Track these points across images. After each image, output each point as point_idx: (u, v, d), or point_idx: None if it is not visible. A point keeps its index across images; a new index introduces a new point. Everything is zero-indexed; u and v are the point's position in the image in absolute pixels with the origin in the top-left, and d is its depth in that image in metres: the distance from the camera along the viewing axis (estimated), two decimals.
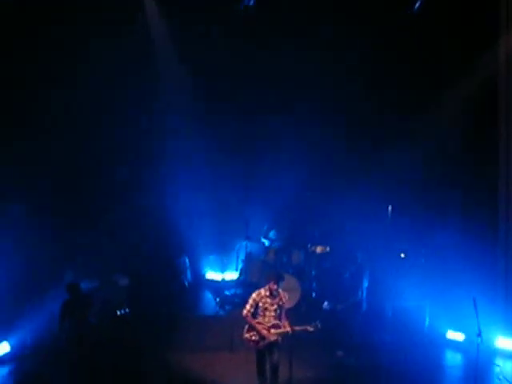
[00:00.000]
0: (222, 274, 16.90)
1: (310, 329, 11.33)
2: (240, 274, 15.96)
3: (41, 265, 14.20)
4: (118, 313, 14.38)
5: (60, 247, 14.80)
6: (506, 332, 13.97)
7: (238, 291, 15.62)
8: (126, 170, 16.44)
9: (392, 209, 15.51)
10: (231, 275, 16.62)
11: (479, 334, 11.10)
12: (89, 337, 11.89)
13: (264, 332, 11.30)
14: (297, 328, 11.27)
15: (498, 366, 13.22)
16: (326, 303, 13.73)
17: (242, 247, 16.00)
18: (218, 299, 15.36)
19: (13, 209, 14.86)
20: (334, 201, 16.24)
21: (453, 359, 14.09)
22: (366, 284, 13.54)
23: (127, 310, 14.48)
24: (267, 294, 11.39)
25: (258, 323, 11.36)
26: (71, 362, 11.71)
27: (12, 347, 12.89)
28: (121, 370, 12.19)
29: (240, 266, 16.02)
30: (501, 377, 12.70)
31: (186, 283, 16.56)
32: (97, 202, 15.91)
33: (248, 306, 11.39)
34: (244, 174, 17.05)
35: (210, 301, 15.95)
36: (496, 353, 13.80)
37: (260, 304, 11.38)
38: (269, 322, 11.37)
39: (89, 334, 11.92)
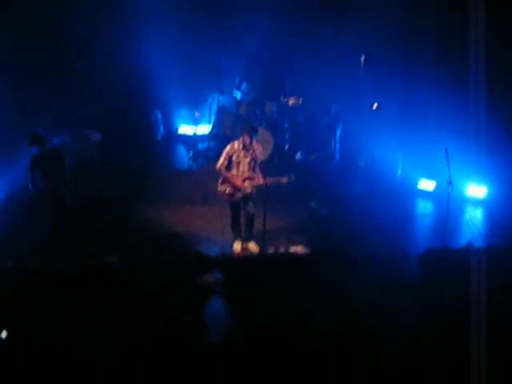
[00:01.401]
0: (194, 127, 16.77)
1: (284, 180, 11.41)
2: (213, 128, 15.86)
3: (9, 121, 13.97)
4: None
5: (27, 102, 14.50)
6: (477, 180, 14.18)
7: (211, 145, 15.57)
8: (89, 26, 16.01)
9: (365, 59, 15.30)
10: (204, 129, 16.50)
11: (450, 183, 11.24)
12: (63, 193, 11.68)
13: (238, 184, 11.37)
14: (270, 180, 11.33)
15: (468, 212, 13.49)
16: (298, 154, 13.75)
17: (215, 100, 15.83)
18: (191, 153, 15.33)
19: None
20: (306, 51, 15.98)
21: (424, 208, 14.35)
22: (338, 135, 13.54)
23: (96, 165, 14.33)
24: (240, 146, 11.38)
25: (232, 176, 11.40)
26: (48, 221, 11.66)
27: None
28: (95, 225, 12.24)
29: (213, 120, 15.89)
30: (470, 223, 12.97)
31: (159, 137, 16.46)
32: (59, 56, 15.51)
33: (222, 159, 11.41)
34: (216, 25, 16.59)
35: (183, 155, 15.91)
36: (466, 201, 14.06)
37: (233, 157, 11.39)
38: (243, 174, 11.42)
39: (63, 190, 11.73)
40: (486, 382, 6.48)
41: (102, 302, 8.79)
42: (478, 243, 11.92)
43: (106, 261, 10.25)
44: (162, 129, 16.52)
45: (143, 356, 6.95)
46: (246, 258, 11.38)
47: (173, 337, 7.27)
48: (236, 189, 11.41)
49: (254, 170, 11.46)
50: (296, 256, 11.13)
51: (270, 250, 11.36)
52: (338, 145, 13.47)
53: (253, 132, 11.39)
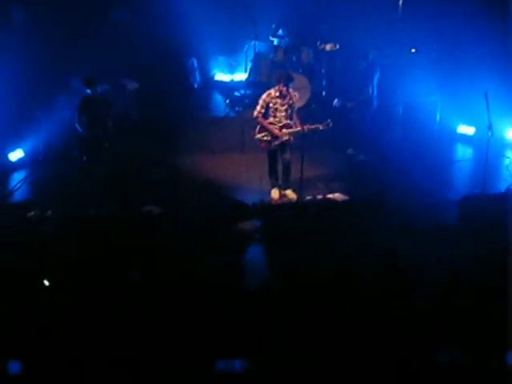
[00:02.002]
0: (231, 74, 16.68)
1: (322, 127, 11.36)
2: (249, 75, 15.77)
3: (47, 71, 14.00)
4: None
5: (64, 52, 14.52)
6: None
7: (248, 92, 15.48)
8: None
9: (402, 3, 15.06)
10: (240, 76, 16.42)
11: (489, 127, 11.10)
12: (104, 140, 11.84)
13: (276, 131, 11.35)
14: (308, 127, 11.29)
15: (508, 157, 13.36)
16: (336, 101, 13.63)
17: (251, 47, 15.70)
18: (227, 100, 15.29)
19: (12, 9, 14.54)
20: None
21: (463, 153, 14.23)
22: (376, 81, 13.38)
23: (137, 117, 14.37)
24: (277, 94, 11.32)
25: (270, 123, 11.38)
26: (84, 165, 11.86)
27: (25, 153, 13.08)
28: (133, 176, 12.34)
29: (249, 67, 15.79)
30: (510, 168, 12.86)
31: (195, 85, 16.41)
32: (96, 5, 15.44)
33: (258, 107, 11.37)
34: None
35: (219, 102, 15.89)
36: (506, 145, 13.90)
37: (270, 104, 11.35)
38: (280, 121, 11.38)
39: (104, 137, 11.85)
40: None
41: (140, 251, 8.90)
42: None
43: (145, 209, 10.38)
44: (198, 76, 16.46)
45: (179, 303, 7.04)
46: (283, 206, 11.42)
47: (211, 284, 7.34)
48: (273, 136, 11.39)
49: (291, 117, 11.42)
50: (334, 203, 11.14)
51: (308, 198, 11.38)
52: (375, 91, 13.30)
53: (288, 80, 11.31)
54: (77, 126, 11.72)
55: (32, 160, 13.05)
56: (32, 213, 10.45)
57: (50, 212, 10.45)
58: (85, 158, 11.86)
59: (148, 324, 6.79)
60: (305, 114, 12.29)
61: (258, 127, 11.46)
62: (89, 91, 11.76)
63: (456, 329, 6.78)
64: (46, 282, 7.50)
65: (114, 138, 12.00)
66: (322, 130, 11.43)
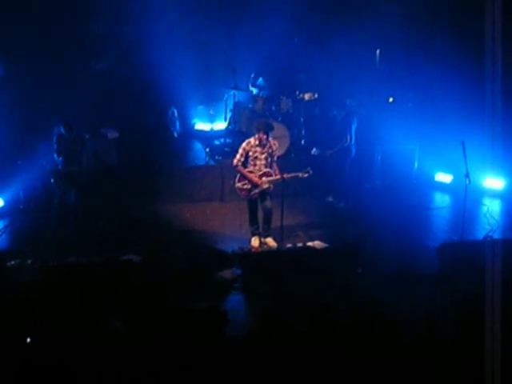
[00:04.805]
0: (211, 124, 16.80)
1: (301, 175, 11.44)
2: (229, 124, 15.89)
3: (28, 120, 14.07)
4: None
5: (45, 100, 14.61)
6: (494, 172, 14.15)
7: (228, 140, 15.59)
8: (105, 25, 16.14)
9: (380, 53, 15.31)
10: (220, 125, 16.54)
11: (467, 175, 11.24)
12: (78, 176, 12.11)
13: (256, 180, 11.40)
14: (288, 175, 11.36)
15: (485, 205, 13.49)
16: (315, 149, 13.77)
17: (230, 96, 15.85)
18: (207, 149, 15.36)
19: None
20: (321, 46, 15.98)
21: (441, 200, 14.35)
22: (354, 129, 13.55)
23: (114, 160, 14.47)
24: (257, 142, 11.40)
25: (249, 172, 11.44)
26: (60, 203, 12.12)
27: (6, 202, 13.04)
28: (110, 219, 12.41)
29: (229, 116, 15.92)
30: (487, 215, 12.99)
31: (175, 134, 16.50)
32: (76, 56, 15.58)
33: (238, 156, 11.44)
34: (230, 22, 16.62)
35: (199, 151, 15.95)
36: (483, 193, 14.05)
37: (250, 153, 11.42)
38: (260, 170, 11.45)
39: (79, 173, 12.13)
40: (500, 374, 6.48)
41: (120, 299, 8.86)
42: (496, 235, 11.94)
43: (125, 258, 10.38)
44: (178, 125, 16.55)
45: (162, 351, 7.00)
46: (263, 254, 11.43)
47: (194, 331, 7.30)
48: (253, 185, 11.44)
49: (270, 165, 11.49)
50: (314, 251, 11.18)
51: (288, 246, 11.41)
52: (354, 139, 13.47)
53: (268, 128, 11.41)
54: (55, 156, 12.08)
55: (12, 209, 13.00)
56: (12, 262, 10.43)
57: (30, 261, 10.43)
58: (59, 191, 12.05)
59: (130, 374, 6.74)
60: (284, 162, 12.38)
61: (238, 176, 11.51)
62: (62, 130, 12.10)
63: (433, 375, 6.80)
64: (28, 339, 7.42)
65: (89, 173, 12.37)
66: (302, 178, 11.51)
